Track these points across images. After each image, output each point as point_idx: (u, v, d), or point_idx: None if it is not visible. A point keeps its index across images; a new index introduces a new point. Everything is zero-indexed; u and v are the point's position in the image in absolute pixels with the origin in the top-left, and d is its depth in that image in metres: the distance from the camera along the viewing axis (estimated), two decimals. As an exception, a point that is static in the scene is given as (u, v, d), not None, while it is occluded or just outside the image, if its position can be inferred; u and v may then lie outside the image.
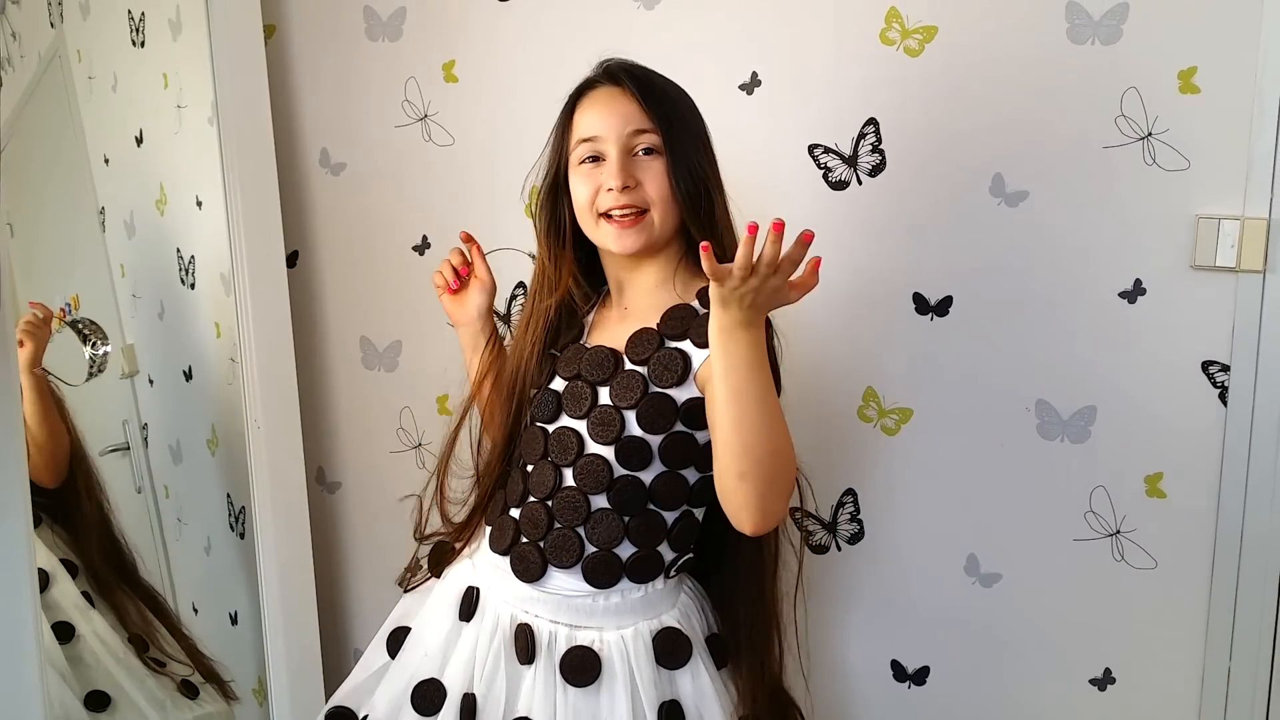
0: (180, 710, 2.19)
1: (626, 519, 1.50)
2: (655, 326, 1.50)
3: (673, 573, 1.56)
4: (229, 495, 2.27)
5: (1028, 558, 1.98)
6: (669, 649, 1.53)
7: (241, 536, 2.25)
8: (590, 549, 1.51)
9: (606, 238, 1.51)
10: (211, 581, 2.34)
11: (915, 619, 2.06)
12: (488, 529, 1.62)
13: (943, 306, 1.96)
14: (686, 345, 1.47)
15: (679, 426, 1.47)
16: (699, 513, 1.56)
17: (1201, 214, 1.82)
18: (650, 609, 1.54)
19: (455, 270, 1.70)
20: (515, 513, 1.56)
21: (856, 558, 2.08)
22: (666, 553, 1.54)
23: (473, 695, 1.51)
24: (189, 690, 2.21)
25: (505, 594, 1.56)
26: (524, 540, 1.54)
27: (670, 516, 1.52)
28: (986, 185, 1.91)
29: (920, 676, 2.08)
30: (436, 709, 1.53)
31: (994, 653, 2.03)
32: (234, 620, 2.29)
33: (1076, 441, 1.92)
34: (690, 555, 1.58)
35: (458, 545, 1.67)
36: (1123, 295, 1.87)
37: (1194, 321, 1.85)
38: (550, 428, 1.54)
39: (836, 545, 2.08)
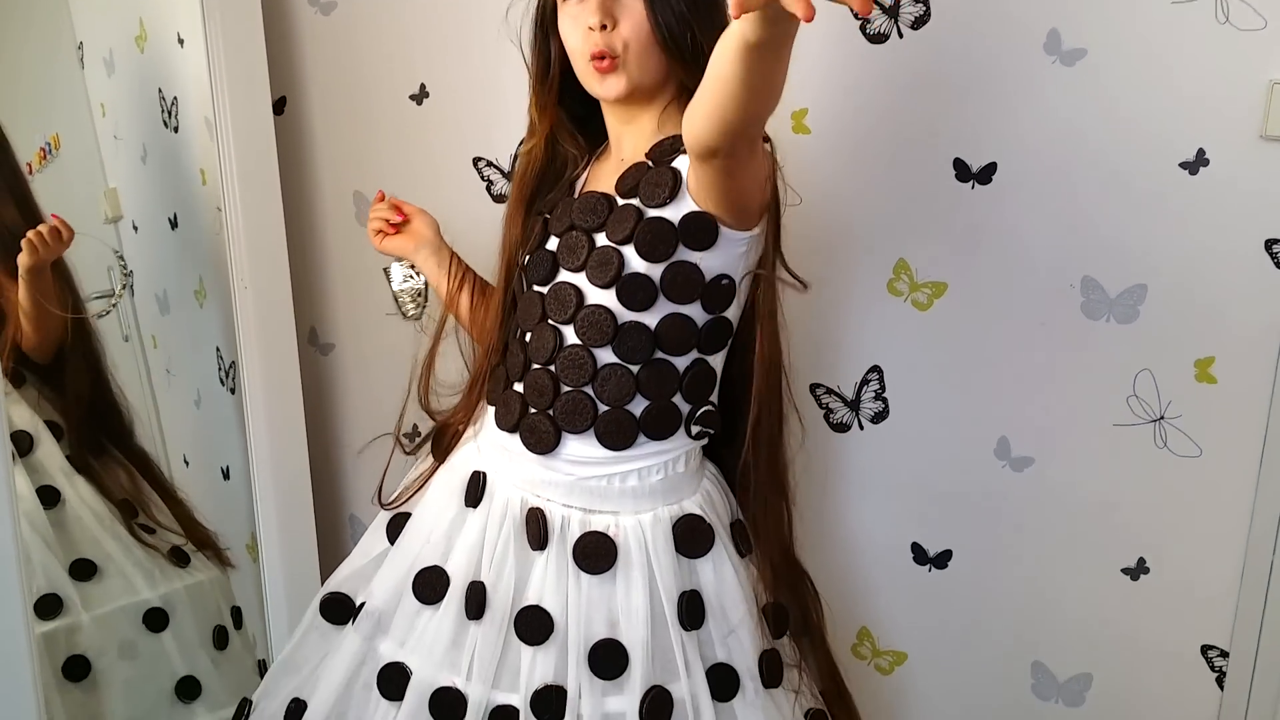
0: (170, 579, 2.12)
1: (635, 369, 1.41)
2: (644, 158, 1.42)
3: (694, 430, 1.47)
4: (218, 349, 2.18)
5: (1063, 442, 1.88)
6: (690, 537, 1.45)
7: (232, 392, 2.16)
8: (602, 408, 1.42)
9: (590, 82, 1.42)
10: (202, 435, 2.27)
11: (939, 502, 1.97)
12: (491, 410, 1.52)
13: (985, 174, 1.81)
14: (676, 161, 1.38)
15: (681, 252, 1.37)
16: (713, 361, 1.47)
17: (1276, 79, 1.65)
18: (671, 493, 1.46)
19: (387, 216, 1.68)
20: (519, 386, 1.47)
21: (879, 438, 1.97)
22: (681, 404, 1.45)
23: (480, 584, 1.43)
24: (179, 558, 2.14)
25: (515, 477, 1.47)
26: (532, 411, 1.45)
27: (681, 363, 1.43)
28: (1041, 41, 1.74)
29: (942, 560, 2.00)
30: (439, 596, 1.46)
31: (1021, 539, 1.94)
32: (226, 475, 2.22)
33: (1123, 322, 1.80)
34: (710, 408, 1.49)
35: (460, 427, 1.57)
36: (1183, 166, 1.72)
37: (1260, 197, 1.71)
38: (546, 288, 1.44)
39: (859, 424, 1.98)
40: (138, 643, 2.07)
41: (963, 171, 1.81)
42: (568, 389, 1.42)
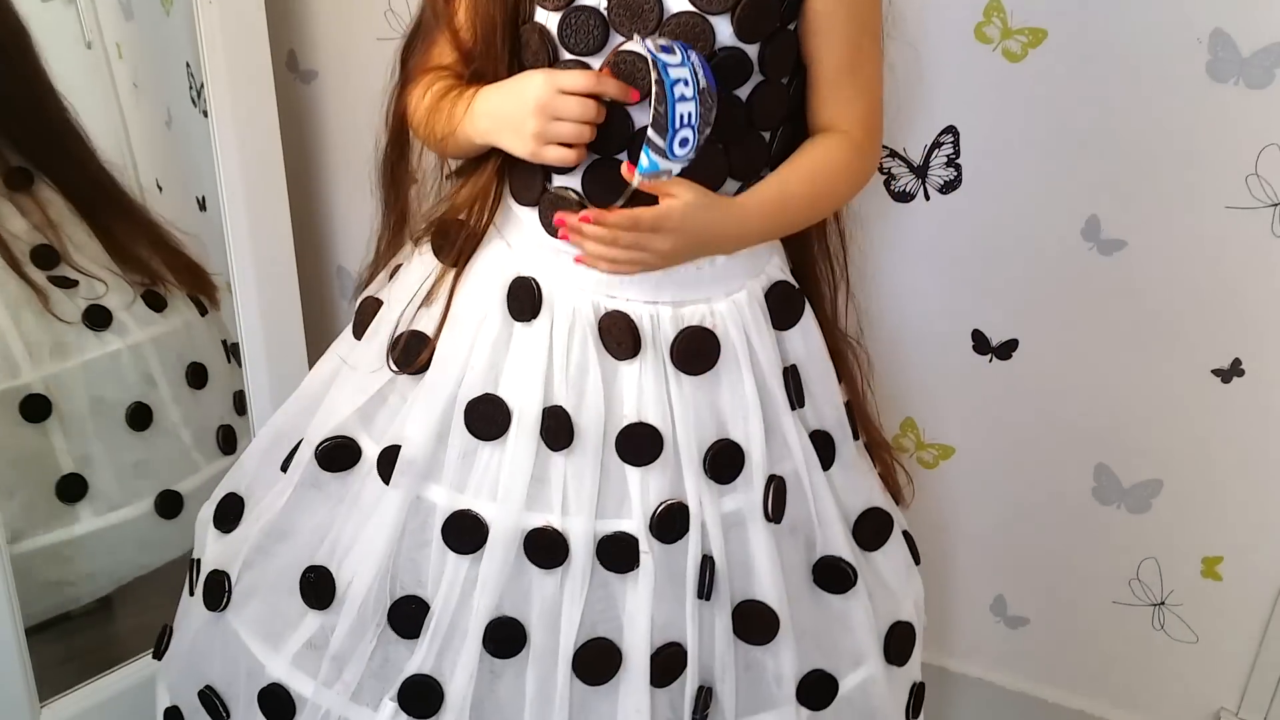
0: (143, 326, 1.91)
1: (723, 145, 1.17)
2: None
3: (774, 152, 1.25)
4: (188, 65, 1.92)
5: (1163, 224, 1.61)
6: (784, 307, 1.27)
7: (205, 115, 1.90)
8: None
9: None
10: (174, 158, 2.06)
11: (1010, 286, 1.72)
12: (520, 208, 1.24)
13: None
14: None
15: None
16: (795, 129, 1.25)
17: None
18: (755, 263, 1.26)
19: None
20: (567, 182, 1.20)
21: (948, 210, 1.70)
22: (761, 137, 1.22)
23: (560, 409, 1.19)
24: (155, 303, 1.93)
25: (575, 281, 1.21)
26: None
27: (769, 137, 1.22)
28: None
29: (1005, 350, 1.77)
30: (501, 430, 1.21)
31: (1100, 331, 1.70)
32: (202, 205, 2.00)
33: (1255, 86, 1.50)
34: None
35: (476, 222, 1.25)
36: None
37: None
38: (597, 60, 1.15)
39: (925, 193, 1.70)
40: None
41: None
42: None
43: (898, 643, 1.38)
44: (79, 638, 1.97)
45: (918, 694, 1.44)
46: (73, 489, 1.89)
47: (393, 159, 1.32)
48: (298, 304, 1.96)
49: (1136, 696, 1.92)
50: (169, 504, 1.97)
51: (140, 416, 1.94)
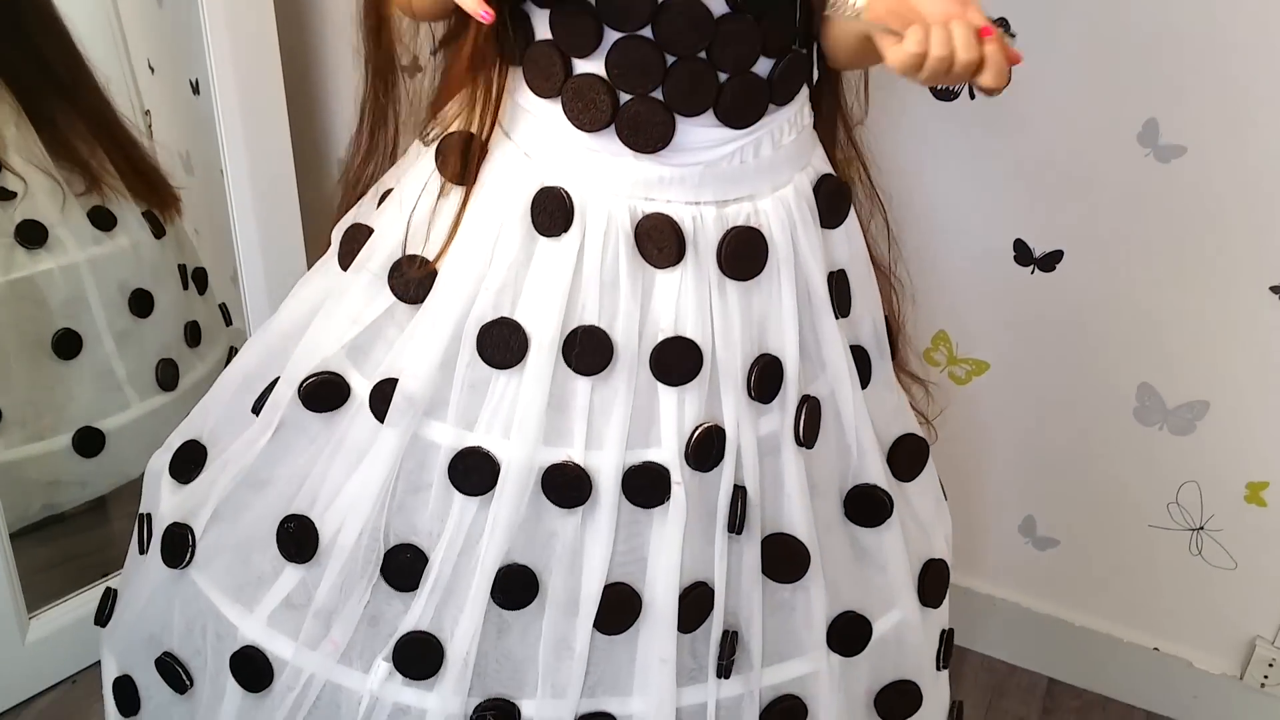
0: (83, 246, 1.75)
1: (757, 19, 1.04)
2: None
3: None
4: None
5: (1227, 130, 1.49)
6: (833, 203, 1.16)
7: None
8: (723, 77, 1.05)
9: None
10: (166, 38, 1.90)
11: (1058, 191, 1.61)
12: (541, 104, 1.10)
13: None
14: None
15: None
16: None
17: None
18: (802, 154, 1.14)
19: None
20: (591, 67, 1.05)
21: (994, 107, 1.58)
22: (800, 50, 1.10)
23: (594, 328, 1.07)
24: (102, 221, 1.77)
25: (609, 185, 1.08)
26: (630, 99, 1.05)
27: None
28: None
29: (1049, 262, 1.66)
30: (518, 356, 1.08)
31: (1151, 241, 1.59)
32: (195, 89, 1.85)
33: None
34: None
35: (485, 134, 1.10)
36: None
37: None
38: None
39: (969, 91, 1.58)
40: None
41: None
42: (678, 60, 1.03)
43: (931, 582, 1.29)
44: (68, 542, 1.90)
45: (947, 641, 1.35)
46: None
47: (371, 24, 1.19)
48: (294, 191, 1.84)
49: (1168, 622, 1.85)
50: (89, 441, 1.83)
51: (68, 344, 1.78)
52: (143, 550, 1.30)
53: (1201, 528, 1.75)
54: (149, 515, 1.30)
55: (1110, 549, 1.84)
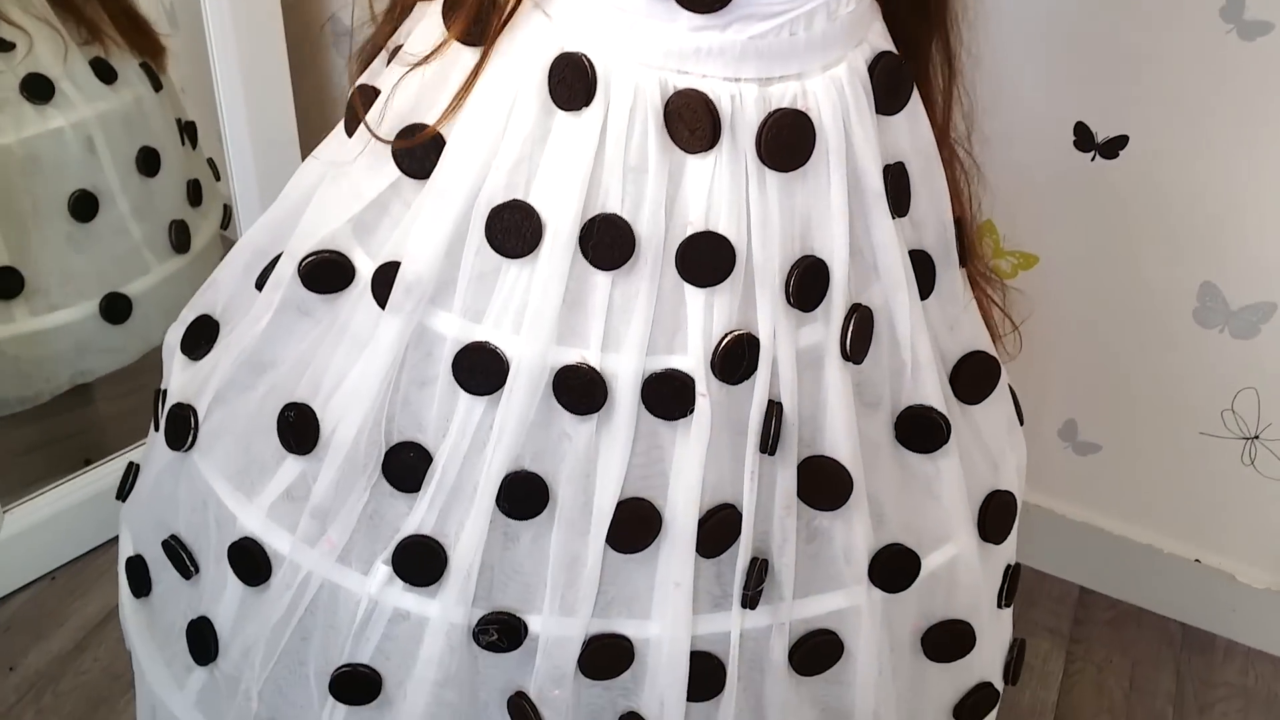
0: (90, 101, 1.66)
1: None
2: None
3: None
4: None
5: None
6: (891, 83, 1.00)
7: None
8: None
9: None
10: None
11: (1126, 71, 1.46)
12: None
13: None
14: None
15: None
16: None
17: None
18: (857, 29, 0.98)
19: None
20: None
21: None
22: None
23: (616, 218, 0.95)
24: (103, 73, 1.67)
25: (637, 53, 0.94)
26: None
27: None
28: None
29: (1112, 148, 1.52)
30: (531, 245, 0.96)
31: (1228, 127, 1.45)
32: None
33: None
34: None
35: None
36: None
37: None
38: None
39: (1035, -46, 1.43)
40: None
41: None
42: None
43: (995, 515, 1.16)
44: (48, 425, 1.81)
45: (1012, 577, 1.24)
46: (7, 284, 1.68)
47: None
48: (281, 46, 1.69)
49: (1213, 534, 1.76)
50: (116, 308, 1.76)
51: (84, 205, 1.70)
52: (156, 427, 1.20)
53: (1256, 436, 1.65)
54: (163, 391, 1.21)
55: (1156, 456, 1.73)
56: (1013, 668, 1.27)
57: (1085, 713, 1.68)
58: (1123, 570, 1.83)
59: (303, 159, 1.13)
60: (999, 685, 1.24)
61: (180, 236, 1.80)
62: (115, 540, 1.37)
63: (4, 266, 1.67)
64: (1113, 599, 1.85)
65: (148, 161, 1.75)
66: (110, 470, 1.69)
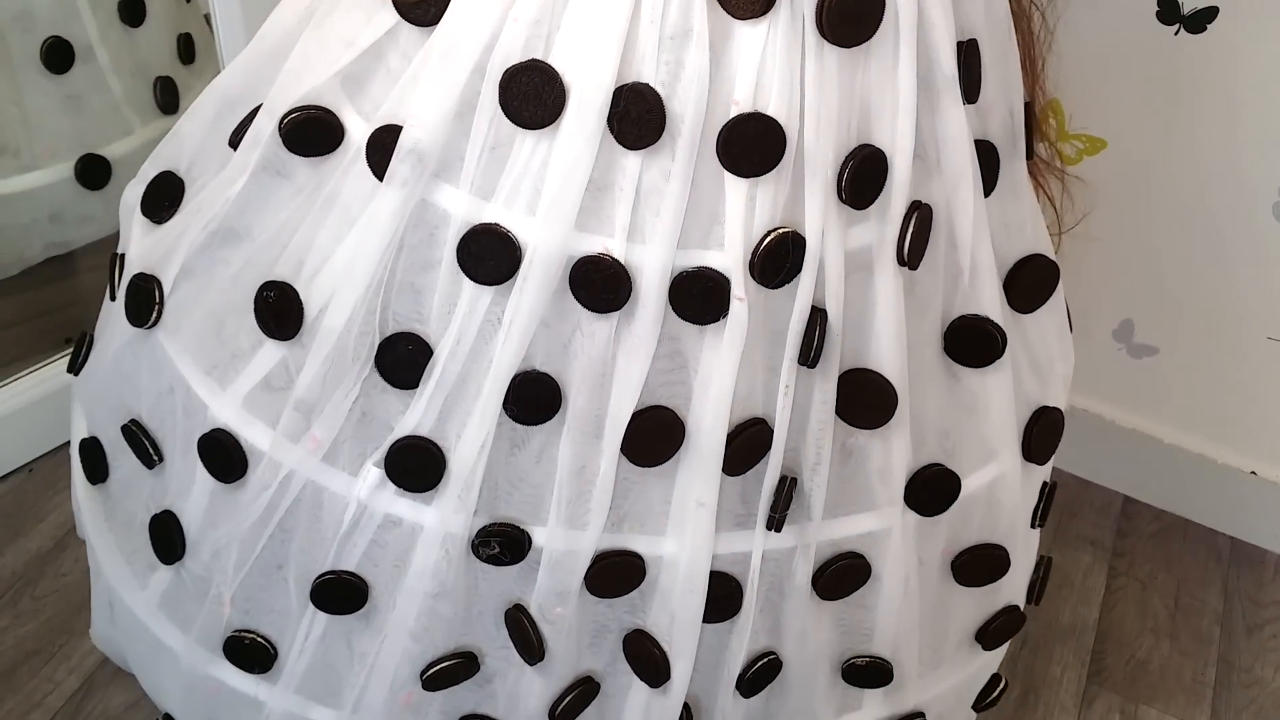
0: None
1: None
2: None
3: None
4: None
5: None
6: None
7: None
8: None
9: None
10: None
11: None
12: None
13: None
14: None
15: None
16: None
17: None
18: None
19: None
20: None
21: None
22: None
23: (644, 87, 0.82)
24: None
25: None
26: None
27: None
28: None
29: (1199, 21, 1.37)
30: (552, 114, 0.84)
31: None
32: None
33: None
34: None
35: None
36: None
37: None
38: None
39: None
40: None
41: None
42: None
43: (1042, 434, 1.06)
44: (22, 300, 1.70)
45: (1048, 498, 1.14)
46: None
47: None
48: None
49: (1272, 445, 1.65)
50: (93, 171, 1.64)
51: (58, 54, 1.57)
52: (113, 296, 1.10)
53: (1330, 344, 1.53)
54: (122, 256, 1.10)
55: (1217, 361, 1.61)
56: (1037, 587, 1.19)
57: (1128, 632, 1.59)
58: (1172, 480, 1.73)
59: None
60: (1022, 606, 1.17)
61: (167, 95, 1.67)
62: (98, 430, 1.28)
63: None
64: (1158, 510, 1.76)
65: (132, 9, 1.61)
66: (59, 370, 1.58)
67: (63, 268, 1.71)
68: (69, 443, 1.49)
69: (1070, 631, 1.57)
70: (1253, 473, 1.66)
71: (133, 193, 1.08)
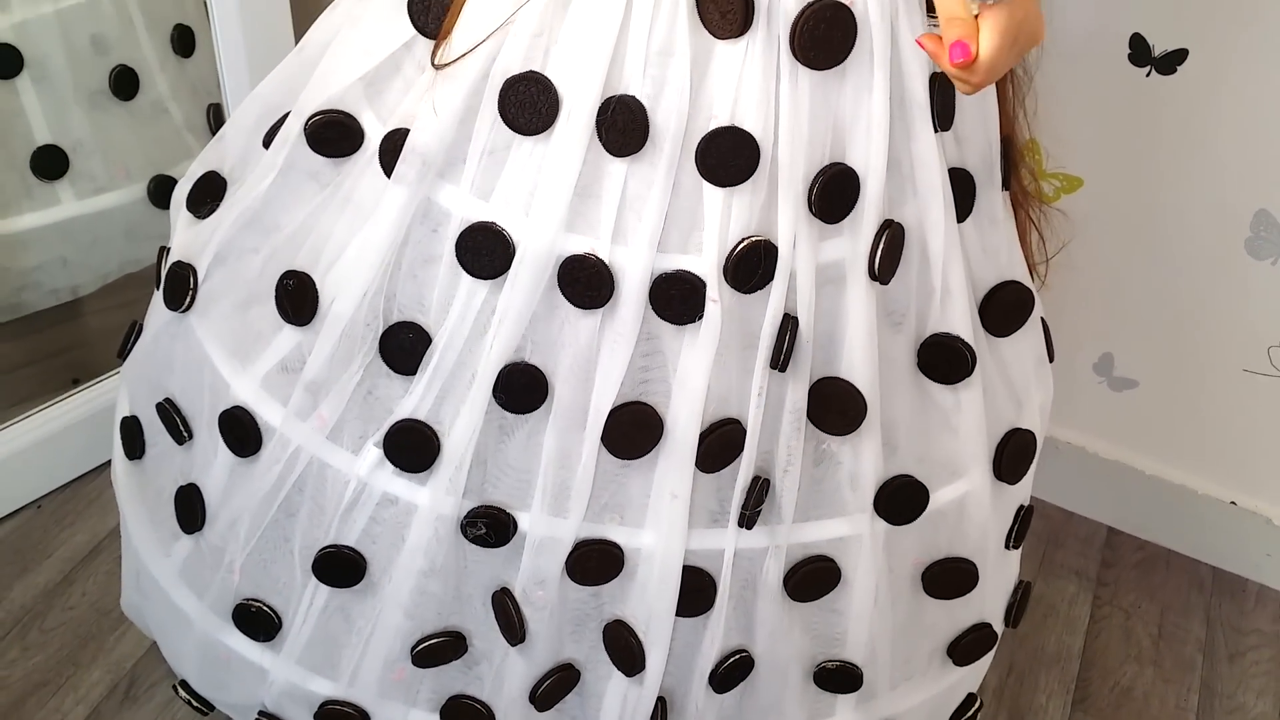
0: None
1: None
2: None
3: None
4: None
5: None
6: None
7: None
8: None
9: None
10: None
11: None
12: None
13: None
14: None
15: None
16: None
17: None
18: None
19: None
20: None
21: None
22: None
23: (631, 100, 0.88)
24: None
25: None
26: None
27: None
28: None
29: (1170, 62, 1.42)
30: (546, 121, 0.90)
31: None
32: None
33: None
34: None
35: None
36: None
37: None
38: None
39: None
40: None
41: None
42: None
43: (1013, 454, 1.10)
44: (30, 343, 1.72)
45: (1023, 520, 1.17)
46: (50, 163, 1.60)
47: None
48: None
49: (1251, 475, 1.68)
50: (165, 191, 1.65)
51: (125, 82, 1.62)
52: (158, 285, 1.17)
53: (1304, 376, 1.57)
54: (167, 249, 1.18)
55: (1196, 393, 1.65)
56: (1014, 611, 1.23)
57: (1112, 659, 1.61)
58: (1154, 511, 1.76)
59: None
60: (999, 627, 1.21)
61: (219, 120, 1.72)
62: (106, 466, 1.34)
63: (46, 145, 1.59)
64: (1141, 540, 1.78)
65: (183, 40, 1.67)
66: (100, 392, 1.61)
67: (69, 310, 1.74)
68: (76, 479, 1.53)
69: (1055, 659, 1.60)
70: (1233, 503, 1.70)
71: (180, 190, 1.16)
